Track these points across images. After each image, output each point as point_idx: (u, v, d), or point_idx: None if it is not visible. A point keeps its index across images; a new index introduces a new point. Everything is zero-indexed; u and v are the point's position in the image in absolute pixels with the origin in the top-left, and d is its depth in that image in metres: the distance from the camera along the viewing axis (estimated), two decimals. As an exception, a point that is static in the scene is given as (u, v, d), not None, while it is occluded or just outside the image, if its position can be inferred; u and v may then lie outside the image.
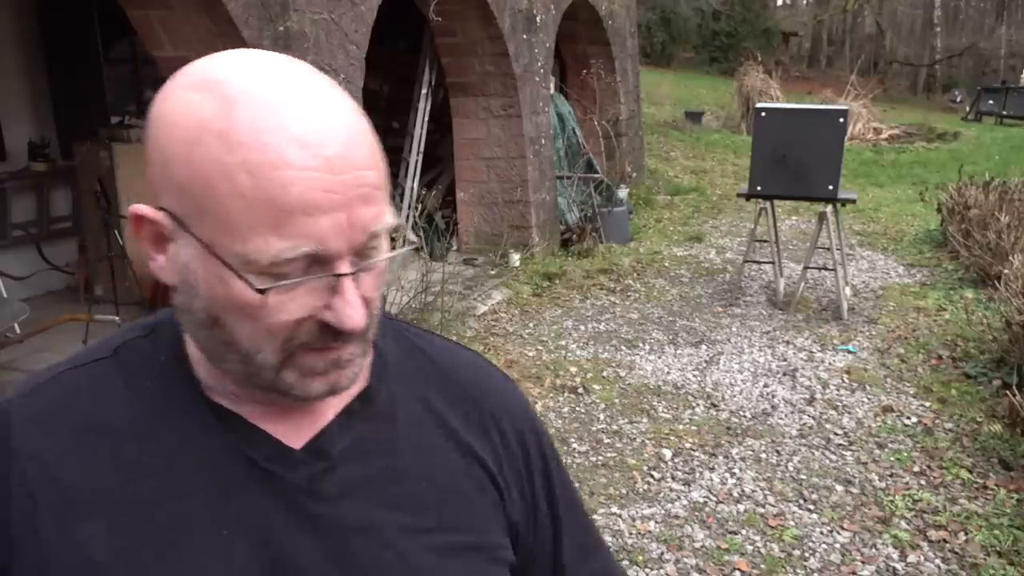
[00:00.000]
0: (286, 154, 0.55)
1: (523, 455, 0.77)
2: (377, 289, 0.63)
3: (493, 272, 6.34)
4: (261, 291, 0.57)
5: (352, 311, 0.59)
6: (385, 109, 7.35)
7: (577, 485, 3.38)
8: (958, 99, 23.96)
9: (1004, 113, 17.34)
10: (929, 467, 3.54)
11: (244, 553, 0.63)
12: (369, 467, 0.68)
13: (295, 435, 0.67)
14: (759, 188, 5.42)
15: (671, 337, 5.16)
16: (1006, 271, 4.92)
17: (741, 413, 4.09)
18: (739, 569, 2.87)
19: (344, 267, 0.58)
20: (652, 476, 3.49)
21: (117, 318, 4.60)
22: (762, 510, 3.23)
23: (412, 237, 0.59)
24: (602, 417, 4.03)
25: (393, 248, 0.64)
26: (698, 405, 4.19)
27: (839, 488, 3.38)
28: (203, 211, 0.57)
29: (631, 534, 3.07)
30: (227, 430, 0.66)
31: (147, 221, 0.61)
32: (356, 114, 0.60)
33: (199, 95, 0.57)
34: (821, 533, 3.07)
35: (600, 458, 3.63)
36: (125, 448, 0.64)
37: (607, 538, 3.03)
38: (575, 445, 3.74)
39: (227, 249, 0.57)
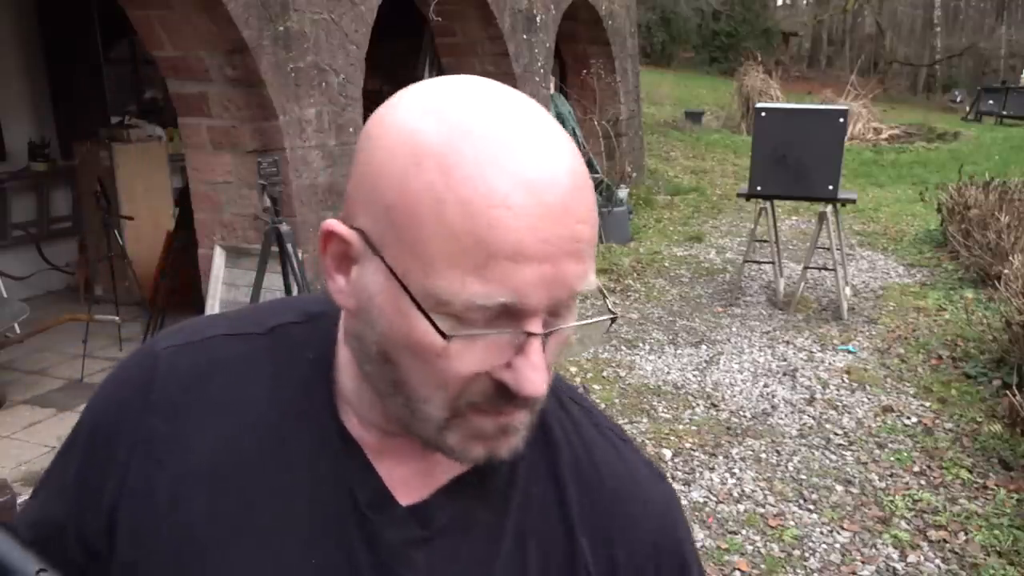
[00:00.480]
0: (507, 194, 0.50)
1: (654, 567, 0.69)
2: (560, 355, 0.58)
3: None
4: (446, 336, 0.52)
5: (534, 375, 0.54)
6: (385, 109, 7.34)
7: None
8: (958, 99, 23.96)
9: (1004, 113, 17.33)
10: (929, 467, 3.54)
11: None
12: (467, 547, 0.63)
13: (404, 487, 0.63)
14: (759, 188, 5.42)
15: (671, 337, 5.16)
16: (1006, 271, 4.92)
17: (741, 413, 4.09)
18: (739, 569, 2.87)
19: (536, 326, 0.53)
20: (652, 476, 3.49)
21: (117, 318, 4.60)
22: (762, 510, 3.23)
23: (612, 305, 0.55)
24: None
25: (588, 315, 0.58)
26: (698, 405, 4.19)
27: (839, 488, 3.38)
28: (402, 239, 0.53)
29: (631, 534, 3.06)
30: (344, 456, 0.62)
31: (337, 239, 0.57)
32: (580, 161, 0.56)
33: (423, 119, 0.53)
34: (821, 533, 3.07)
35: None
36: (248, 436, 0.63)
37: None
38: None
39: (419, 284, 0.52)
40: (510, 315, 0.52)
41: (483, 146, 0.51)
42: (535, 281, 0.51)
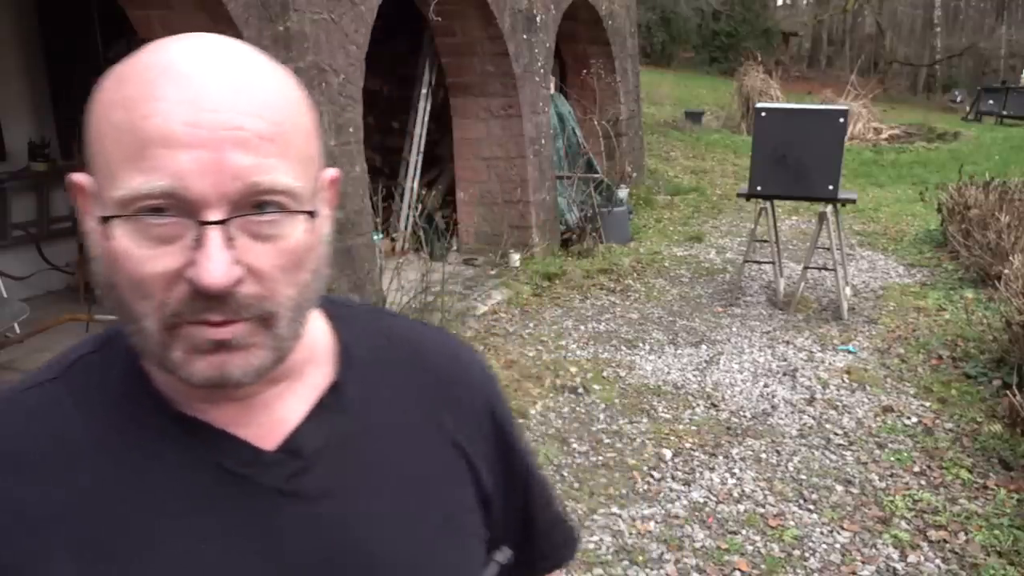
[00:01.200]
0: (160, 87, 0.54)
1: (492, 428, 0.76)
2: (277, 265, 0.58)
3: (493, 272, 6.34)
4: (106, 218, 0.54)
5: (211, 265, 0.54)
6: (385, 109, 7.35)
7: (577, 485, 3.39)
8: (958, 99, 23.95)
9: (1004, 113, 17.33)
10: (929, 467, 3.54)
11: (227, 562, 0.61)
12: (347, 462, 0.66)
13: (267, 437, 0.64)
14: (759, 188, 5.42)
15: (671, 337, 5.16)
16: (1006, 271, 4.93)
17: (741, 413, 4.09)
18: (739, 569, 2.87)
19: (211, 217, 0.54)
20: (652, 476, 3.49)
21: (117, 317, 4.59)
22: (762, 510, 3.23)
23: (301, 208, 0.59)
24: (602, 417, 4.03)
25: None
26: (698, 405, 4.19)
27: (839, 488, 3.38)
28: (93, 157, 0.56)
29: (631, 534, 3.07)
30: (193, 439, 0.62)
31: (76, 187, 0.60)
32: (268, 72, 0.58)
33: (127, 60, 0.58)
34: (821, 533, 3.07)
35: (600, 458, 3.63)
36: (81, 473, 0.61)
37: (607, 538, 3.03)
38: (575, 445, 3.74)
39: (108, 196, 0.55)
40: (181, 207, 0.54)
41: (152, 60, 0.56)
42: (194, 167, 0.53)
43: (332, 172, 0.68)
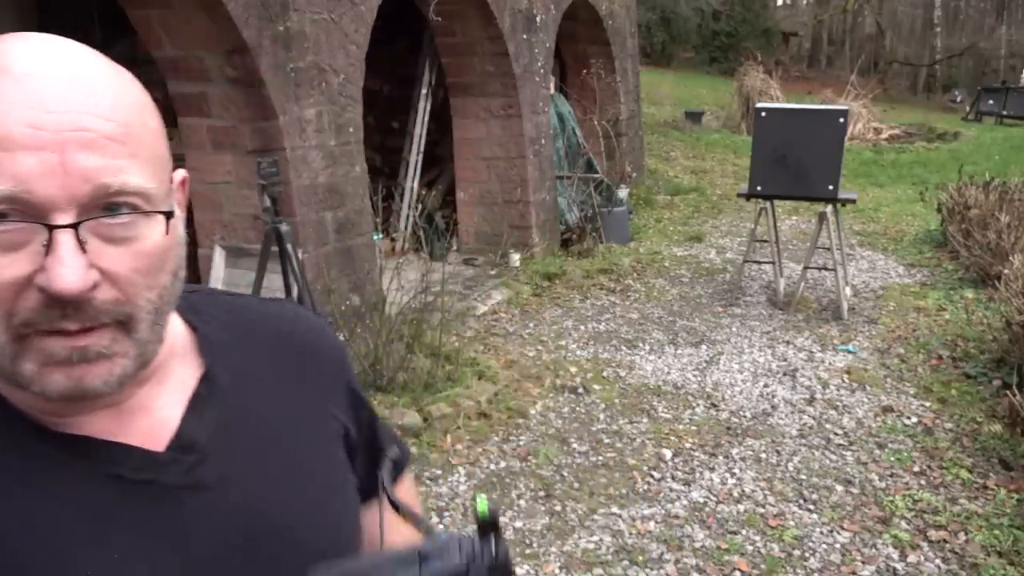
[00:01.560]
0: (2, 90, 0.52)
1: (346, 387, 0.80)
2: (133, 268, 0.56)
3: (493, 272, 6.34)
4: None
5: (63, 270, 0.52)
6: (385, 109, 7.35)
7: (577, 485, 3.39)
8: (958, 99, 23.94)
9: (1004, 113, 17.32)
10: (929, 467, 3.54)
11: (145, 570, 0.60)
12: (235, 446, 0.67)
13: (153, 439, 0.63)
14: (759, 188, 5.42)
15: (671, 337, 5.16)
16: (1006, 271, 4.92)
17: (741, 413, 4.09)
18: (739, 569, 2.87)
19: (60, 220, 0.53)
20: (652, 476, 3.49)
21: None
22: (762, 510, 3.23)
23: (154, 209, 0.59)
24: (602, 417, 4.03)
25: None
26: (698, 405, 4.19)
27: (839, 488, 3.38)
28: None
29: (631, 534, 3.07)
30: (80, 456, 0.60)
31: None
32: (112, 74, 0.57)
33: None
34: (821, 533, 3.07)
35: (600, 458, 3.63)
36: None
37: (607, 538, 3.03)
38: (575, 445, 3.74)
39: None
40: (27, 211, 0.52)
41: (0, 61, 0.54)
42: (39, 170, 0.52)
43: (182, 173, 0.67)
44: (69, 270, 0.52)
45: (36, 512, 0.58)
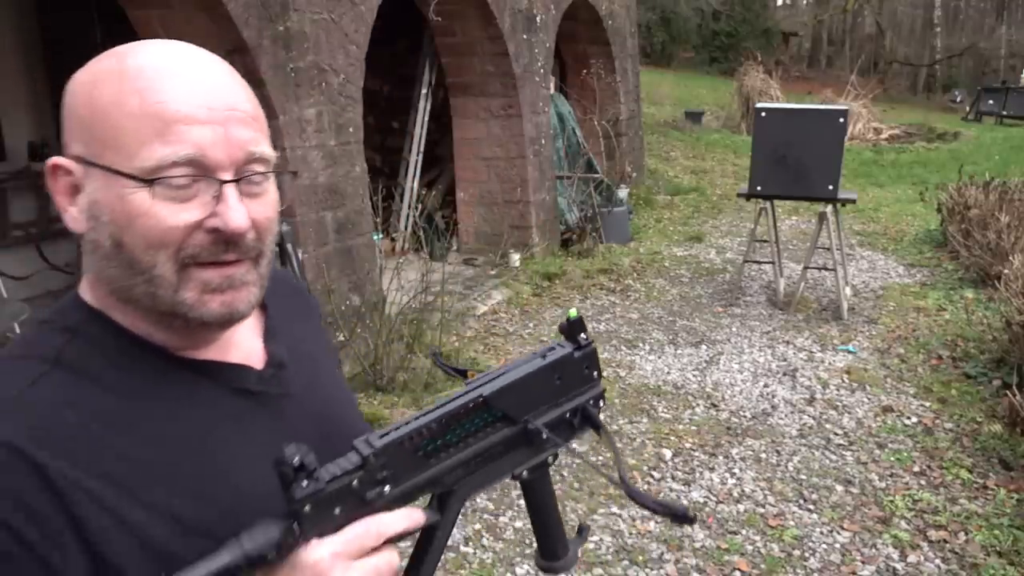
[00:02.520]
0: (168, 80, 0.68)
1: (318, 317, 1.02)
2: (266, 216, 0.74)
3: (493, 272, 6.34)
4: (148, 181, 0.66)
5: (234, 213, 0.69)
6: (385, 109, 7.35)
7: (577, 485, 3.39)
8: (958, 99, 23.94)
9: (1004, 113, 17.33)
10: (929, 467, 3.53)
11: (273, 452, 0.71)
12: (301, 365, 0.85)
13: (252, 361, 0.81)
14: (759, 188, 5.42)
15: (671, 337, 5.16)
16: (1006, 271, 4.92)
17: (741, 413, 4.09)
18: (739, 569, 2.87)
19: (226, 177, 0.69)
20: (652, 476, 3.49)
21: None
22: (762, 510, 3.23)
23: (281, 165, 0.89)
24: (602, 417, 4.03)
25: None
26: (698, 405, 4.19)
27: (839, 488, 3.38)
28: (104, 141, 0.68)
29: (631, 534, 3.07)
30: (208, 376, 0.76)
31: (62, 171, 0.70)
32: (231, 70, 0.74)
33: (98, 61, 0.71)
34: (821, 533, 3.07)
35: (600, 458, 3.63)
36: (131, 434, 0.69)
37: (607, 538, 3.04)
38: (575, 445, 3.73)
39: (128, 167, 0.67)
40: (203, 170, 0.68)
41: (146, 59, 0.70)
42: (211, 140, 0.68)
43: None
44: (239, 213, 0.70)
45: (185, 421, 0.72)
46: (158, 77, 0.68)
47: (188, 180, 0.68)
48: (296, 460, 0.63)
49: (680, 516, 0.79)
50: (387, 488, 0.70)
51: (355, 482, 0.68)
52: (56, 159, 0.70)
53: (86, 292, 0.75)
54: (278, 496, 0.65)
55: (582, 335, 0.86)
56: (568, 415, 0.86)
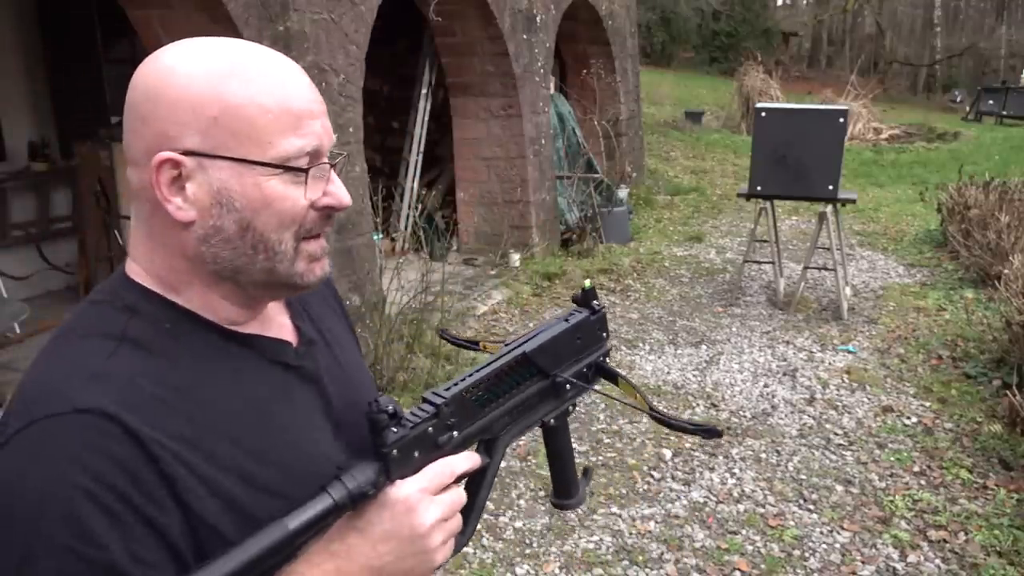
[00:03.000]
0: (279, 78, 0.77)
1: (341, 306, 1.09)
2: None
3: (493, 272, 6.34)
4: (304, 170, 0.77)
5: (343, 192, 0.81)
6: (385, 109, 7.35)
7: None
8: (958, 99, 23.93)
9: (1004, 113, 17.32)
10: (929, 467, 3.54)
11: (317, 419, 0.86)
12: (329, 342, 0.94)
13: (287, 337, 0.88)
14: (759, 188, 5.42)
15: (671, 337, 5.16)
16: (1006, 271, 4.92)
17: (741, 413, 4.09)
18: (739, 569, 2.87)
19: (329, 162, 0.80)
20: (652, 476, 3.49)
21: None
22: (762, 510, 3.23)
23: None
24: (602, 417, 4.03)
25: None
26: (698, 405, 4.19)
27: (839, 488, 3.38)
28: (238, 134, 0.74)
29: (631, 534, 3.07)
30: (254, 349, 0.83)
31: (169, 164, 0.74)
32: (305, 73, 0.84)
33: (202, 57, 0.76)
34: (821, 533, 3.07)
35: (600, 458, 3.63)
36: (197, 401, 0.75)
37: (607, 538, 3.04)
38: (575, 445, 3.73)
39: (264, 157, 0.75)
40: (316, 156, 0.79)
41: (254, 64, 0.77)
42: (323, 129, 0.80)
43: None
44: (345, 191, 0.81)
45: (241, 388, 0.80)
46: (279, 76, 0.77)
47: (314, 167, 0.78)
48: (390, 407, 0.73)
49: (710, 431, 0.99)
50: (455, 433, 0.81)
51: (430, 428, 0.78)
52: (167, 154, 0.74)
53: (137, 274, 0.80)
54: (328, 459, 0.78)
55: (595, 302, 1.00)
56: (585, 369, 1.00)
